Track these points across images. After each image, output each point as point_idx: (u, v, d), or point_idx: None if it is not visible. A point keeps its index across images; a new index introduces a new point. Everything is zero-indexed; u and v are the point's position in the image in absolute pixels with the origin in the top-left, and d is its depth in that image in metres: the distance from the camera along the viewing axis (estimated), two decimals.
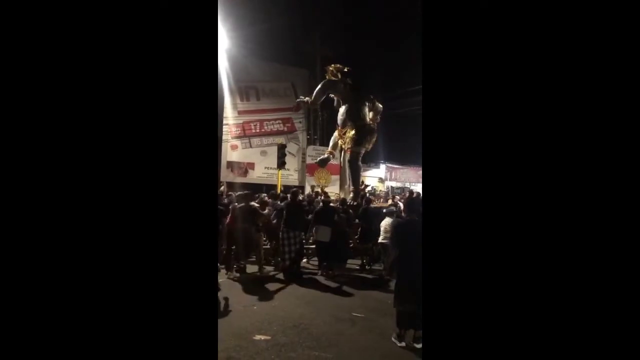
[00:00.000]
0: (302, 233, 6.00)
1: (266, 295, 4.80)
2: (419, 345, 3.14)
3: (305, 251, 6.53)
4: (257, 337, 3.42)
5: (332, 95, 8.94)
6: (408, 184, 15.76)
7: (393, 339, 3.34)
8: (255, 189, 8.81)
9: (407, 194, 7.87)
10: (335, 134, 9.00)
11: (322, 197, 7.08)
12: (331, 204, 6.44)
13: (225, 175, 12.52)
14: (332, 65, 8.75)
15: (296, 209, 6.07)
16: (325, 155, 9.39)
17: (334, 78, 8.68)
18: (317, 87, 9.00)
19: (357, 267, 6.40)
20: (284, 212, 5.98)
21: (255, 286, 5.15)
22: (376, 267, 6.34)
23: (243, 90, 13.04)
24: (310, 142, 13.69)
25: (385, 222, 5.66)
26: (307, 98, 9.16)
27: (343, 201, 7.01)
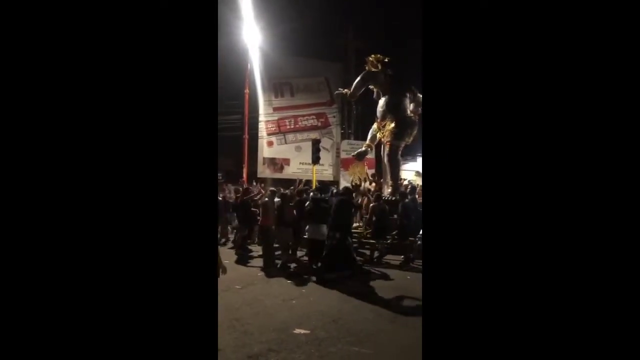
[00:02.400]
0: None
1: (304, 290, 4.84)
2: None
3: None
4: (297, 330, 3.45)
5: (371, 87, 8.73)
6: None
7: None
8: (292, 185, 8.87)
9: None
10: (374, 126, 8.78)
11: (312, 192, 6.77)
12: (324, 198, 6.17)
13: (262, 172, 12.77)
14: (372, 55, 8.50)
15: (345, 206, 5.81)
16: (363, 149, 9.23)
17: (374, 69, 8.45)
18: (353, 80, 8.86)
19: (397, 264, 6.29)
20: (332, 209, 5.73)
21: (292, 281, 5.21)
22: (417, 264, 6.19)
23: (277, 87, 13.20)
24: (344, 136, 13.60)
25: None
26: (345, 90, 9.01)
27: (347, 190, 6.47)
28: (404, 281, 5.33)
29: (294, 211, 6.14)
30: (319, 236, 5.55)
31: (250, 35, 11.59)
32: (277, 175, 12.77)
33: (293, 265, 6.04)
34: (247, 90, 12.24)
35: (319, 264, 5.51)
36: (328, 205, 5.81)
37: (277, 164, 13.11)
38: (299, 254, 6.64)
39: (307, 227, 5.78)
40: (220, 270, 3.62)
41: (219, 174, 16.75)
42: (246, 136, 12.40)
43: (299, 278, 5.33)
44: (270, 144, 13.14)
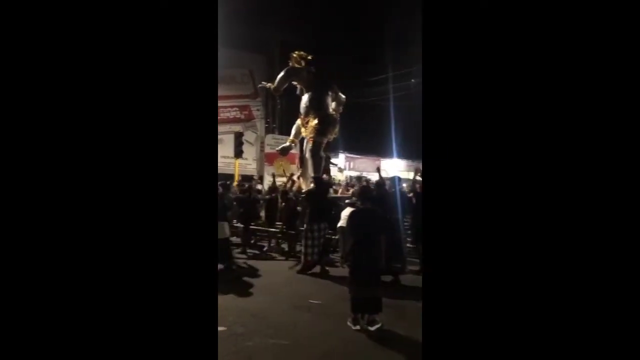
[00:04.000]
0: (327, 225, 5.71)
1: (223, 288, 4.71)
2: (373, 328, 3.26)
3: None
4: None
5: (294, 83, 8.79)
6: (365, 173, 16.12)
7: (348, 323, 3.42)
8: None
9: (361, 183, 8.02)
10: (298, 122, 8.88)
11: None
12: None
13: None
14: (296, 52, 8.55)
15: (320, 199, 5.73)
16: (287, 144, 9.27)
17: (297, 65, 8.52)
18: (278, 74, 8.81)
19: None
20: (307, 202, 5.59)
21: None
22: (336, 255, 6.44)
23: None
24: (269, 130, 13.48)
25: (346, 212, 5.73)
26: (269, 84, 8.92)
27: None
28: (320, 272, 5.50)
29: None
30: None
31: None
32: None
33: None
34: None
35: None
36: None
37: None
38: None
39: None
40: None
41: None
42: None
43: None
44: None
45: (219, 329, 3.34)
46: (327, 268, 5.55)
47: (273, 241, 7.21)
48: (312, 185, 6.24)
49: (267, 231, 7.20)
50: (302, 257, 5.62)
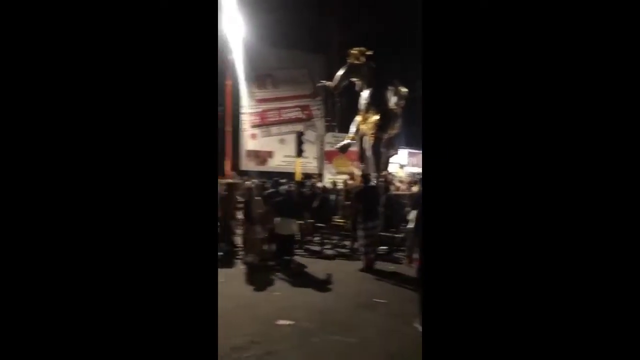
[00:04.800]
0: (379, 223, 5.68)
1: (287, 282, 4.84)
2: None
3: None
4: (280, 322, 3.45)
5: (354, 80, 8.72)
6: None
7: (415, 324, 3.30)
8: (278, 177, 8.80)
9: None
10: (358, 119, 8.79)
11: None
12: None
13: (245, 164, 12.64)
14: (355, 48, 8.50)
15: (370, 196, 5.65)
16: (346, 141, 9.24)
17: (356, 62, 8.45)
18: (336, 72, 8.82)
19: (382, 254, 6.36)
20: (357, 199, 5.60)
21: (273, 274, 5.20)
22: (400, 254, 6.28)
23: (260, 79, 13.02)
24: (328, 128, 13.57)
25: (414, 214, 5.53)
26: (328, 83, 8.97)
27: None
28: (384, 270, 5.39)
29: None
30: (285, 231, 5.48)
31: (231, 26, 11.36)
32: (261, 168, 12.66)
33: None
34: (228, 82, 12.02)
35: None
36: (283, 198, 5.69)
37: (260, 156, 12.99)
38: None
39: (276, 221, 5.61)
40: None
41: None
42: (228, 128, 12.21)
43: (280, 271, 5.32)
44: (253, 136, 13.00)
45: (287, 322, 3.44)
46: (391, 267, 5.43)
47: (335, 238, 7.23)
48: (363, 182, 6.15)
49: (331, 228, 7.24)
50: (362, 256, 5.57)
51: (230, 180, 7.49)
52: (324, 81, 9.30)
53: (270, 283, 4.74)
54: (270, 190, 6.23)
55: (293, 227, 5.57)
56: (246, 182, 7.21)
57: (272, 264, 5.60)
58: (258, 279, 4.88)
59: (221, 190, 6.24)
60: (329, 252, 6.60)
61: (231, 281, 4.84)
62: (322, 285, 4.72)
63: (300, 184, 8.69)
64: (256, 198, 5.87)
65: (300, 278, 4.98)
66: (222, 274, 5.07)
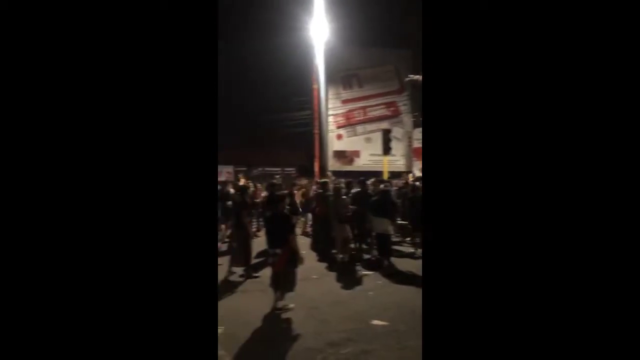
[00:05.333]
0: None
1: (379, 282, 4.79)
2: None
3: None
4: (375, 322, 3.44)
5: None
6: None
7: None
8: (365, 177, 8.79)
9: None
10: None
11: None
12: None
13: (332, 165, 12.91)
14: None
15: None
16: None
17: None
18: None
19: None
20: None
21: (368, 272, 5.19)
22: None
23: (345, 80, 13.17)
24: (416, 124, 13.08)
25: None
26: (417, 76, 8.67)
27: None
28: None
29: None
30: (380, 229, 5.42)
31: (317, 30, 11.71)
32: (348, 168, 12.79)
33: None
34: (315, 86, 12.43)
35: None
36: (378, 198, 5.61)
37: (346, 156, 13.14)
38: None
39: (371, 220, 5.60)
40: (298, 261, 3.78)
41: (292, 169, 17.35)
42: (316, 131, 12.63)
43: (374, 270, 5.29)
44: (339, 137, 13.21)
45: (381, 323, 3.40)
46: None
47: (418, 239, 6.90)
48: None
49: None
50: None
51: (325, 179, 7.70)
52: (412, 75, 8.98)
53: (361, 282, 4.76)
54: (356, 190, 6.25)
55: (387, 226, 5.45)
56: (334, 182, 7.35)
57: (366, 262, 5.62)
58: (350, 276, 4.94)
59: (317, 188, 6.47)
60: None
61: (324, 278, 4.99)
62: (416, 285, 4.56)
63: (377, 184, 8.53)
64: (343, 197, 5.95)
65: (393, 278, 4.89)
66: (317, 270, 5.26)
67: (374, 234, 5.69)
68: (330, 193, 6.32)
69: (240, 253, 4.85)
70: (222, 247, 5.99)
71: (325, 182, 6.83)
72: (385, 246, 5.44)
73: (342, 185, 6.48)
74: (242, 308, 3.92)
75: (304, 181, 8.04)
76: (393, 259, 5.49)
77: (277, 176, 8.59)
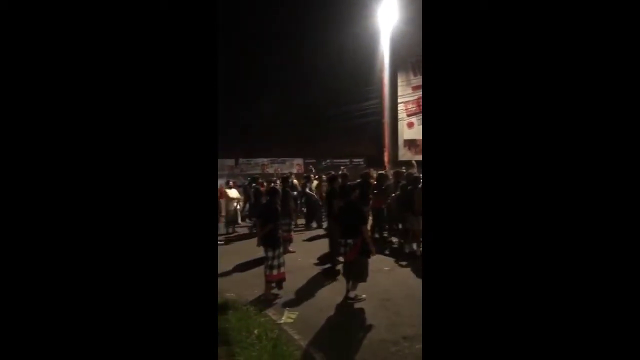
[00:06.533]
0: None
1: None
2: None
3: None
4: None
5: None
6: None
7: None
8: None
9: None
10: None
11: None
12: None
13: (403, 154, 12.54)
14: None
15: None
16: None
17: None
18: None
19: None
20: None
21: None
22: None
23: (415, 65, 12.63)
24: None
25: None
26: None
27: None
28: None
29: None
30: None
31: (386, 16, 11.36)
32: (419, 157, 12.31)
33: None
34: (384, 74, 12.11)
35: None
36: None
37: (418, 145, 12.65)
38: None
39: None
40: (371, 251, 3.76)
41: (360, 160, 17.28)
42: (385, 120, 12.34)
43: None
44: (410, 125, 12.77)
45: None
46: None
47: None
48: None
49: None
50: None
51: (382, 172, 7.55)
52: None
53: None
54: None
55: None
56: (409, 172, 7.14)
57: None
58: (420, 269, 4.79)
59: (387, 179, 6.42)
60: None
61: (396, 270, 4.90)
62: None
63: None
64: (419, 187, 5.76)
65: None
66: (388, 262, 5.20)
67: None
68: (389, 183, 6.20)
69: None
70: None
71: (382, 174, 6.71)
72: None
73: (417, 174, 6.26)
74: (318, 295, 4.04)
75: (373, 172, 7.94)
76: None
77: (343, 167, 8.59)
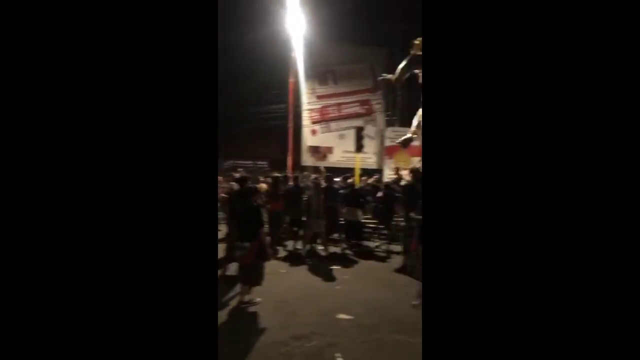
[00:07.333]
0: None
1: (346, 277, 4.88)
2: None
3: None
4: (341, 316, 3.51)
5: (417, 72, 8.41)
6: None
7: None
8: (338, 173, 8.86)
9: None
10: (419, 112, 8.49)
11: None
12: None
13: (306, 160, 12.91)
14: (418, 39, 8.18)
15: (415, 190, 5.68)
16: (408, 136, 8.97)
17: (419, 53, 8.13)
18: (398, 64, 8.59)
19: None
20: (405, 195, 5.71)
21: (328, 267, 5.27)
22: None
23: (321, 75, 13.15)
24: (389, 123, 13.30)
25: None
26: (389, 75, 8.75)
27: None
28: None
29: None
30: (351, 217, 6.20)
31: (294, 23, 11.60)
32: (321, 164, 12.83)
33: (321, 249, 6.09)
34: (291, 80, 12.34)
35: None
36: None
37: (320, 152, 13.17)
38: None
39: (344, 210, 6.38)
40: (267, 255, 3.79)
41: (264, 163, 17.18)
42: (291, 125, 12.56)
43: (341, 264, 5.38)
44: (314, 132, 13.20)
45: (346, 317, 3.48)
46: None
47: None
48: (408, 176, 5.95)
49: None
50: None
51: (276, 175, 7.66)
52: (385, 74, 9.08)
53: (329, 276, 4.83)
54: (325, 185, 6.37)
55: (358, 214, 6.24)
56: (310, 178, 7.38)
57: (343, 248, 6.07)
58: (317, 271, 4.99)
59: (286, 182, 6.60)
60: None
61: (292, 272, 5.01)
62: (380, 280, 4.68)
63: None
64: (322, 192, 6.19)
65: (360, 272, 4.99)
66: (284, 265, 5.28)
67: (343, 222, 6.38)
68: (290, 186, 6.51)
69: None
70: None
71: (276, 178, 6.85)
72: (356, 231, 6.27)
73: (321, 180, 6.51)
74: None
75: (275, 174, 7.97)
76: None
77: (241, 169, 8.41)
